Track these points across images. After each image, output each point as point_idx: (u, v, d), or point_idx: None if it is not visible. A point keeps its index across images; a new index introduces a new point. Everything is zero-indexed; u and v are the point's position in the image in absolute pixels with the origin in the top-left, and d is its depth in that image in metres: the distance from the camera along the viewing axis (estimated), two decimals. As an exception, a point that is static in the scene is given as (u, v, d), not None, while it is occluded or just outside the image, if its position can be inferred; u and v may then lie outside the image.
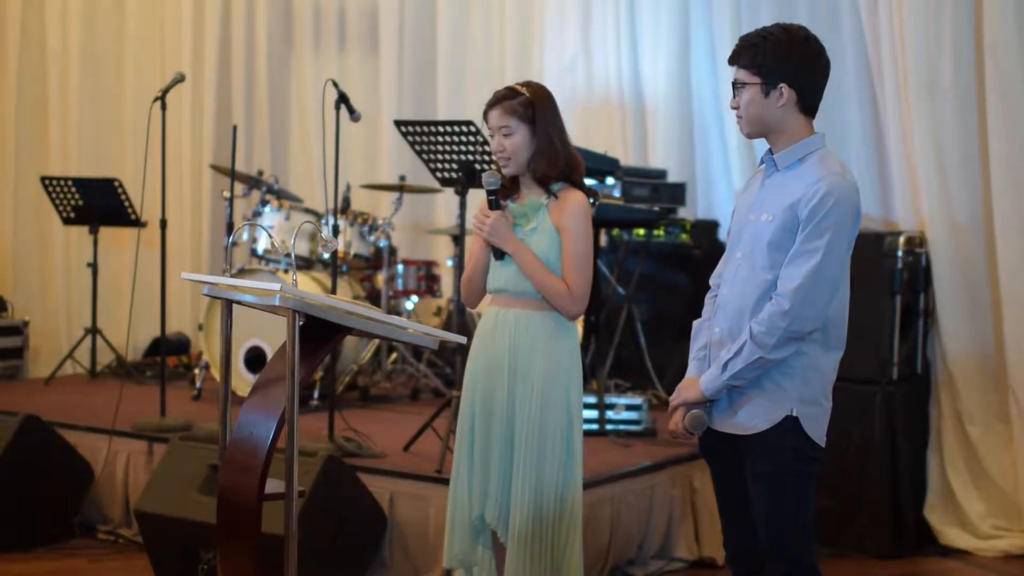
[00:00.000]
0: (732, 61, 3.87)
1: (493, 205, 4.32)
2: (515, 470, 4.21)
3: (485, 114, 4.34)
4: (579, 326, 7.86)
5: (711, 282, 4.06)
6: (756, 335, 3.69)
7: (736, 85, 3.84)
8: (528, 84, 4.36)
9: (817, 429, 3.79)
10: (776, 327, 3.67)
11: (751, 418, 3.78)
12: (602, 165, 7.18)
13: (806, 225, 3.67)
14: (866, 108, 7.10)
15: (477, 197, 4.90)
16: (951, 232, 6.63)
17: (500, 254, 4.31)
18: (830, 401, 3.85)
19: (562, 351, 4.28)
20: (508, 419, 4.25)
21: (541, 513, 4.19)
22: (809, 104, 3.82)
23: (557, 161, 4.28)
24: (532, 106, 4.27)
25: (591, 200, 4.35)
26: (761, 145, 7.83)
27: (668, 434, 4.01)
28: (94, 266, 8.54)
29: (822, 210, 3.65)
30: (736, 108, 3.85)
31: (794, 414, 3.74)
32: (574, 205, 4.26)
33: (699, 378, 3.87)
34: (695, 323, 4.04)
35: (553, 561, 4.22)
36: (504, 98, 4.29)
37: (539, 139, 4.27)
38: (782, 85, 3.75)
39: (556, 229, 4.26)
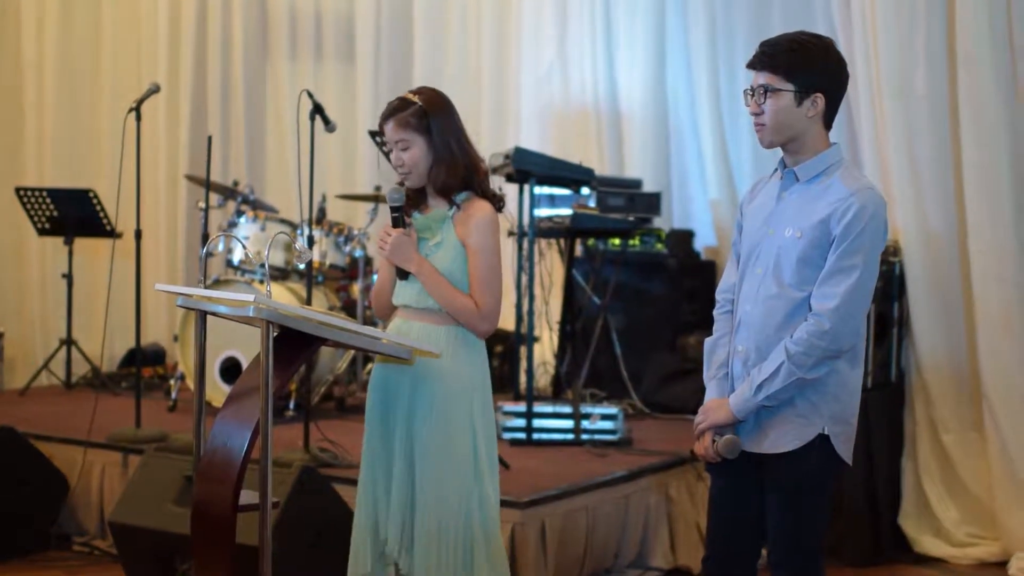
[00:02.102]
0: (760, 65, 3.71)
1: (397, 222, 4.15)
2: (417, 497, 4.07)
3: (380, 128, 4.17)
4: (554, 336, 7.92)
5: (719, 297, 3.98)
6: (794, 355, 3.62)
7: (761, 91, 3.69)
8: (420, 91, 4.19)
9: (846, 448, 3.76)
10: (815, 347, 3.61)
11: (782, 438, 3.72)
12: (577, 175, 7.18)
13: (841, 242, 3.60)
14: (840, 116, 7.08)
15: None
16: (925, 240, 6.65)
17: (404, 273, 4.16)
18: (856, 419, 3.80)
19: (464, 366, 4.14)
20: (408, 438, 4.11)
21: (445, 538, 4.04)
22: (831, 118, 3.75)
23: (456, 169, 4.11)
24: (426, 115, 4.10)
25: (499, 206, 4.20)
26: (737, 156, 7.93)
27: (695, 457, 3.93)
28: (69, 277, 8.51)
29: (858, 226, 3.59)
30: (758, 114, 3.71)
31: (825, 432, 3.70)
32: (478, 218, 4.11)
33: (726, 399, 3.78)
34: (707, 341, 3.96)
35: None
36: (396, 110, 4.12)
37: (436, 148, 4.10)
38: (817, 94, 3.67)
39: (461, 243, 4.11)
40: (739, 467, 3.81)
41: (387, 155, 5.92)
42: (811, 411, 3.69)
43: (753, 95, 3.72)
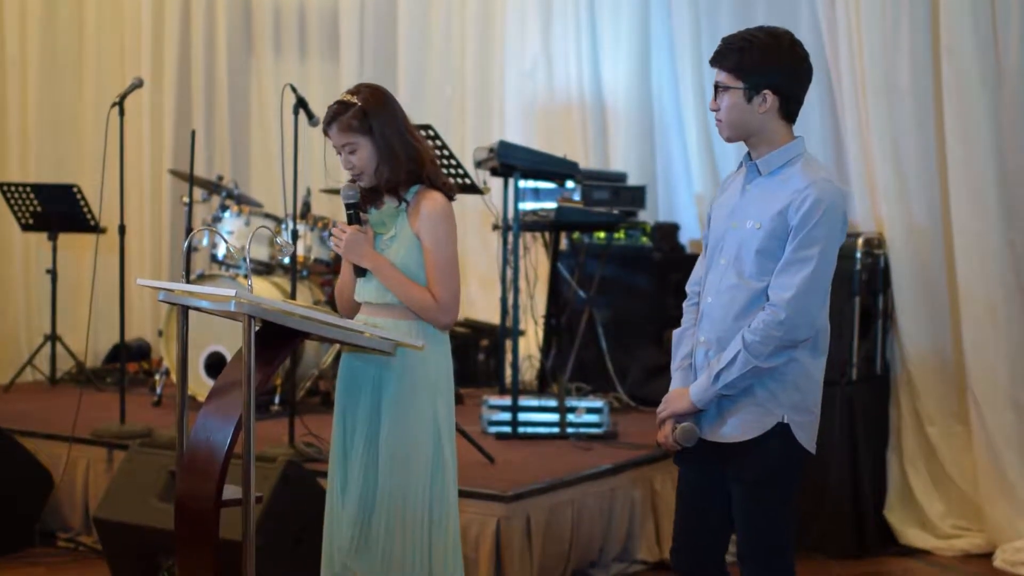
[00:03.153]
0: (715, 63, 3.76)
1: (352, 220, 4.14)
2: (380, 489, 4.05)
3: (325, 133, 4.15)
4: (539, 330, 7.92)
5: (688, 289, 4.01)
6: (750, 344, 3.65)
7: (718, 87, 3.76)
8: (358, 90, 4.14)
9: (807, 436, 3.75)
10: (771, 337, 3.63)
11: (741, 426, 3.73)
12: (562, 168, 7.18)
13: (797, 233, 3.63)
14: (824, 109, 7.14)
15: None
16: (909, 234, 6.66)
17: (361, 271, 4.13)
18: (819, 408, 3.81)
19: (429, 362, 4.09)
20: (371, 436, 4.09)
21: (408, 538, 4.03)
22: (791, 111, 3.77)
23: (398, 165, 4.08)
24: (366, 115, 4.06)
25: (450, 196, 4.16)
26: (721, 149, 7.94)
27: (656, 446, 3.94)
28: (53, 272, 8.49)
29: (813, 218, 3.62)
30: (716, 111, 3.77)
31: (785, 421, 3.71)
32: (429, 209, 4.08)
33: (687, 389, 3.81)
34: (675, 332, 3.99)
35: None
36: (337, 115, 4.08)
37: (382, 148, 4.07)
38: (766, 91, 3.69)
39: (416, 236, 4.08)
40: (705, 459, 3.83)
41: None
42: (770, 400, 3.71)
43: (716, 93, 3.78)
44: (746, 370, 3.66)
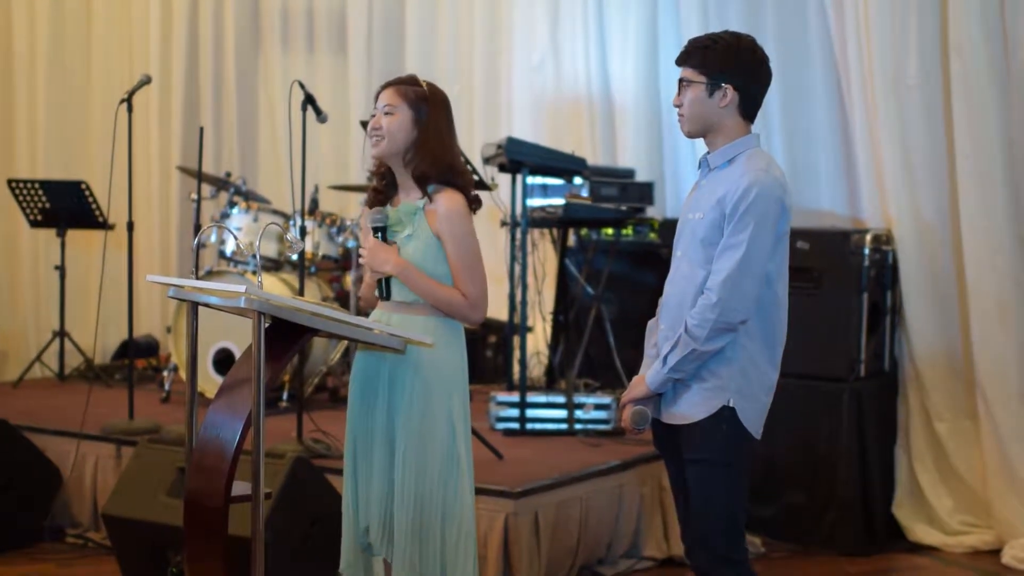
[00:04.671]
0: (680, 62, 3.98)
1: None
2: (396, 487, 4.07)
3: (377, 94, 4.19)
4: (547, 326, 7.91)
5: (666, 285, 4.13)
6: (689, 328, 3.81)
7: (682, 83, 3.94)
8: (432, 84, 4.23)
9: (754, 421, 3.89)
10: (707, 320, 3.78)
11: (690, 407, 3.89)
12: (570, 164, 7.18)
13: (730, 220, 3.80)
14: (833, 106, 7.12)
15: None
16: (918, 230, 6.66)
17: (387, 294, 4.15)
18: (769, 396, 3.94)
19: (444, 359, 4.11)
20: (388, 429, 4.11)
21: (424, 531, 4.05)
22: (749, 109, 3.94)
23: (439, 162, 4.12)
24: (425, 100, 4.14)
25: (474, 207, 4.18)
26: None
27: (623, 430, 4.11)
28: (62, 269, 8.49)
29: (744, 204, 3.78)
30: (679, 106, 3.95)
31: (731, 404, 3.85)
32: (448, 207, 4.09)
33: (645, 375, 3.97)
34: (649, 323, 4.13)
35: None
36: (401, 82, 4.18)
37: (422, 133, 4.12)
38: (726, 86, 3.88)
39: (434, 235, 4.10)
40: (675, 450, 3.97)
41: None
42: (716, 383, 3.86)
43: (679, 89, 3.97)
44: (687, 352, 3.82)
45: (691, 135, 4.00)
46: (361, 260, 4.21)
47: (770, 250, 3.82)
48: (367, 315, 4.28)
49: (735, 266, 3.77)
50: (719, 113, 3.90)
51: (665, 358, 3.86)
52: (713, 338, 3.79)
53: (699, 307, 3.80)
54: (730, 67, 3.88)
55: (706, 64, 3.89)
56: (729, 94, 3.88)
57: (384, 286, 4.17)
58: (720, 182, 3.87)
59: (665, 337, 3.94)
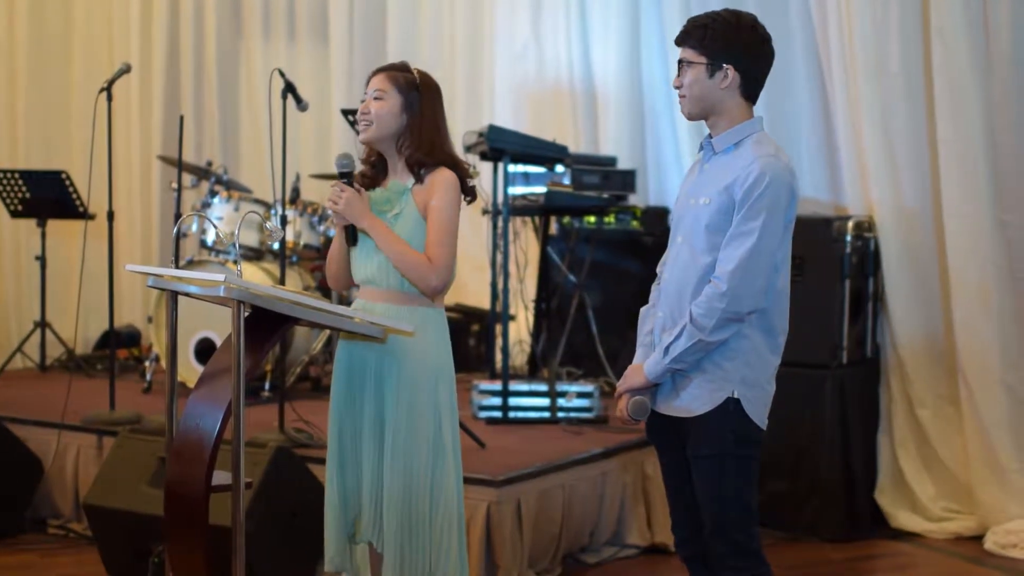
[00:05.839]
0: (680, 42, 3.88)
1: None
2: (385, 476, 4.06)
3: (368, 80, 4.19)
4: (529, 314, 7.91)
5: (658, 270, 4.07)
6: (695, 318, 3.72)
7: (681, 64, 3.85)
8: (423, 72, 4.21)
9: (759, 412, 3.82)
10: (714, 309, 3.70)
11: (693, 400, 3.81)
12: (552, 152, 7.17)
13: (741, 207, 3.71)
14: (815, 92, 7.11)
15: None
16: (900, 216, 6.66)
17: (353, 239, 4.15)
18: (773, 385, 3.87)
19: (430, 348, 4.10)
20: (377, 419, 4.10)
21: (413, 519, 4.05)
22: (751, 90, 3.85)
23: (434, 148, 4.13)
24: (416, 87, 4.14)
25: (469, 197, 4.20)
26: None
27: (617, 420, 4.02)
28: (42, 259, 8.46)
29: (756, 191, 3.69)
30: (679, 87, 3.86)
31: (736, 396, 3.77)
32: (441, 181, 4.09)
33: (642, 364, 3.89)
34: (642, 310, 4.06)
35: (429, 566, 4.08)
36: (392, 68, 4.19)
37: (413, 119, 4.12)
38: (727, 67, 3.79)
39: (421, 216, 4.09)
40: (670, 436, 3.92)
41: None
42: (720, 374, 3.78)
43: (679, 70, 3.88)
44: (692, 343, 3.74)
45: (692, 117, 3.90)
46: (334, 207, 4.15)
47: (780, 239, 3.75)
48: (348, 303, 4.27)
49: (746, 255, 3.68)
50: (720, 95, 3.81)
51: (667, 348, 3.78)
52: (720, 328, 3.71)
53: (706, 296, 3.72)
54: (730, 47, 3.79)
55: (705, 44, 3.79)
56: (730, 75, 3.79)
57: (351, 232, 4.16)
58: (727, 167, 3.79)
59: (663, 325, 3.88)
